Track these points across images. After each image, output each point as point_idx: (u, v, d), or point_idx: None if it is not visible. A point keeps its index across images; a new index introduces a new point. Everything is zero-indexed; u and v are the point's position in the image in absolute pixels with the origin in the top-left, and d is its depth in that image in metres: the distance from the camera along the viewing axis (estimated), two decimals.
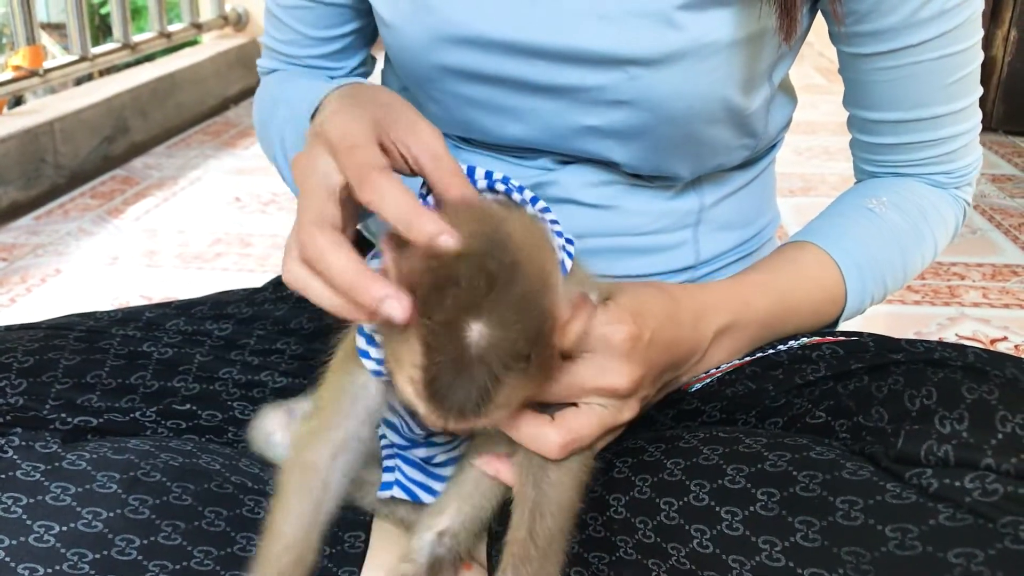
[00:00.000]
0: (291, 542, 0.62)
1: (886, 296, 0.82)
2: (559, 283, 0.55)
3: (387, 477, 0.72)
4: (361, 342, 0.61)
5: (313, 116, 0.71)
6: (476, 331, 0.50)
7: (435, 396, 0.51)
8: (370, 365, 0.62)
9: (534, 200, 0.65)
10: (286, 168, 0.80)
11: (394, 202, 0.54)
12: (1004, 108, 2.69)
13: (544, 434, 0.60)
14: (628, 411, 0.63)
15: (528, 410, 0.61)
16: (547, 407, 0.61)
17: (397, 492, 0.72)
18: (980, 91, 0.81)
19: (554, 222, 0.63)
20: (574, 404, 0.62)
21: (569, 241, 0.63)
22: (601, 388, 0.61)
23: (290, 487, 0.63)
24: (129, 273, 1.80)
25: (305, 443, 0.64)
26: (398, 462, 0.72)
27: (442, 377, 0.51)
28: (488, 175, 0.64)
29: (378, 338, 0.60)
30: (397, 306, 0.51)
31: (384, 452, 0.72)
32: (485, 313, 0.50)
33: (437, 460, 0.72)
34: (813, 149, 2.52)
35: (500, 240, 0.53)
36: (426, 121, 0.62)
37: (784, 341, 0.73)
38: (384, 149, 0.60)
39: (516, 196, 0.65)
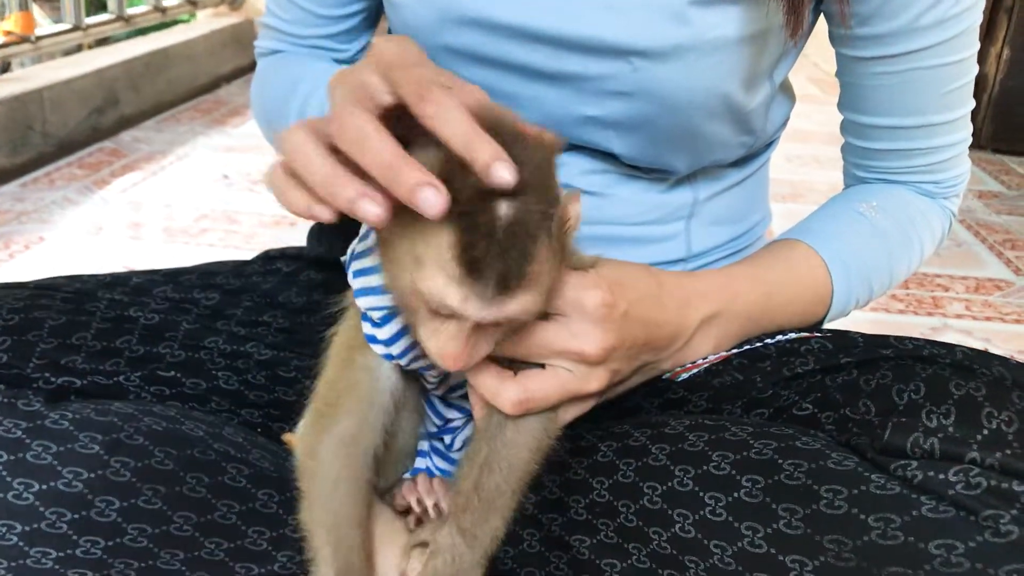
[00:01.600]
0: (350, 541, 0.64)
1: (871, 300, 0.83)
2: (556, 162, 0.56)
3: (420, 463, 0.73)
4: (367, 327, 0.61)
5: None
6: (504, 202, 0.50)
7: (474, 271, 0.51)
8: (379, 349, 0.62)
9: None
10: None
11: (455, 120, 0.51)
12: (993, 126, 2.71)
13: (502, 388, 0.61)
14: (595, 381, 0.63)
15: (492, 363, 0.61)
16: (514, 365, 0.62)
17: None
18: (972, 104, 0.82)
19: None
20: (541, 366, 0.62)
21: None
22: (569, 351, 0.61)
23: (329, 491, 0.64)
24: (113, 244, 1.79)
25: (335, 449, 0.64)
26: (428, 447, 0.73)
27: (479, 249, 0.50)
28: None
29: (372, 260, 0.59)
30: (434, 195, 0.49)
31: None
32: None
33: (455, 448, 0.72)
34: (803, 157, 2.53)
35: (507, 120, 0.54)
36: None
37: (772, 335, 0.74)
38: None
39: None
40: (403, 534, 0.72)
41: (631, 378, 0.69)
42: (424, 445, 0.73)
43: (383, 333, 0.62)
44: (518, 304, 0.53)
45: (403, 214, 0.51)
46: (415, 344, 0.61)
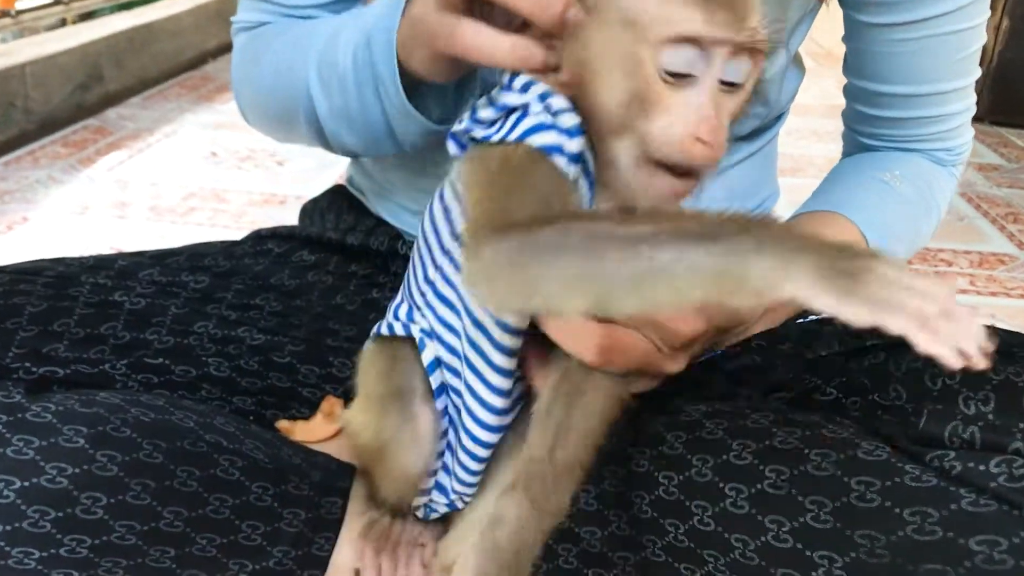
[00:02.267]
0: None
1: None
2: None
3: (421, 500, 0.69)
4: (548, 137, 0.53)
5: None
6: None
7: None
8: (563, 162, 0.52)
9: None
10: (320, 92, 0.73)
11: None
12: (992, 98, 2.68)
13: (587, 331, 0.55)
14: (675, 363, 0.58)
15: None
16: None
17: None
18: (979, 71, 0.81)
19: None
20: None
21: None
22: (666, 325, 0.55)
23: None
24: (99, 224, 1.75)
25: None
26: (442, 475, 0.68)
27: None
28: None
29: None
30: None
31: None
32: None
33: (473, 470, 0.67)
34: (802, 131, 2.50)
35: None
36: None
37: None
38: None
39: None
40: None
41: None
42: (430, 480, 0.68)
43: (574, 145, 0.53)
44: (757, 20, 0.48)
45: None
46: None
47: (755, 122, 0.79)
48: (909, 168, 0.80)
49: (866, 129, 0.84)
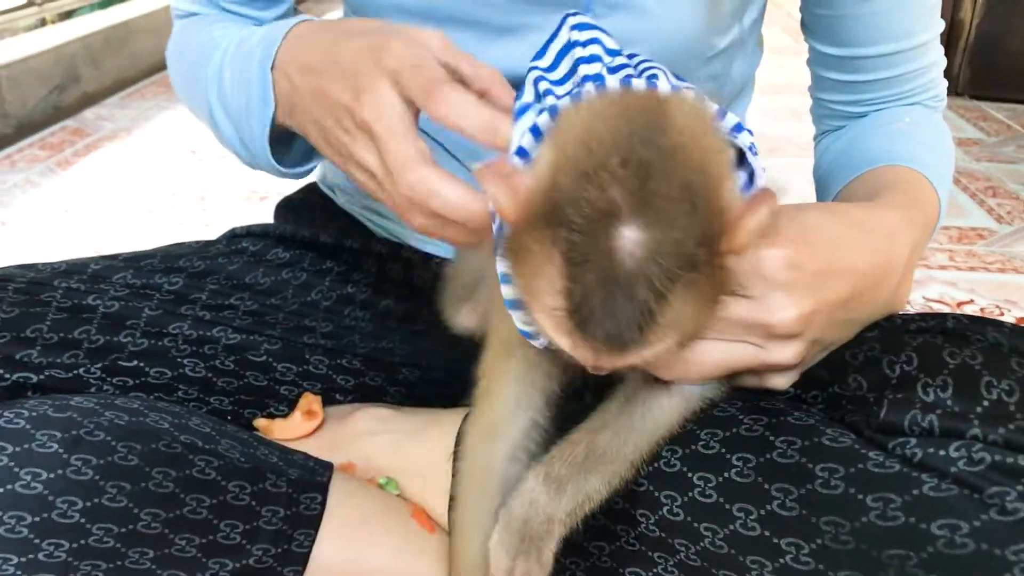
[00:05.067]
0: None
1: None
2: (731, 174, 0.45)
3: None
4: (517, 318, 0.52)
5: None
6: (629, 236, 0.39)
7: (583, 325, 0.41)
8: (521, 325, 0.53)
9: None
10: (222, 115, 0.75)
11: (472, 112, 0.52)
12: (970, 72, 2.68)
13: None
14: (785, 353, 0.54)
15: None
16: None
17: None
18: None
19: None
20: None
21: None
22: (756, 323, 0.52)
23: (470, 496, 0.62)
24: (80, 227, 1.75)
25: (479, 446, 0.60)
26: None
27: (590, 299, 0.40)
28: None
29: (507, 269, 0.48)
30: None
31: None
32: (639, 211, 0.40)
33: None
34: (780, 110, 2.50)
35: (654, 121, 0.42)
36: (423, 31, 0.59)
37: None
38: None
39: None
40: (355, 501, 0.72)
41: (838, 340, 0.60)
42: None
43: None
44: (641, 356, 0.43)
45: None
46: None
47: (711, 84, 0.78)
48: (913, 115, 0.79)
49: (846, 97, 0.82)
